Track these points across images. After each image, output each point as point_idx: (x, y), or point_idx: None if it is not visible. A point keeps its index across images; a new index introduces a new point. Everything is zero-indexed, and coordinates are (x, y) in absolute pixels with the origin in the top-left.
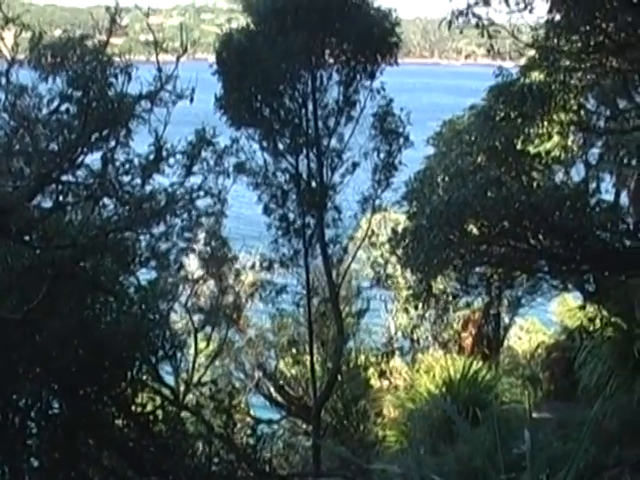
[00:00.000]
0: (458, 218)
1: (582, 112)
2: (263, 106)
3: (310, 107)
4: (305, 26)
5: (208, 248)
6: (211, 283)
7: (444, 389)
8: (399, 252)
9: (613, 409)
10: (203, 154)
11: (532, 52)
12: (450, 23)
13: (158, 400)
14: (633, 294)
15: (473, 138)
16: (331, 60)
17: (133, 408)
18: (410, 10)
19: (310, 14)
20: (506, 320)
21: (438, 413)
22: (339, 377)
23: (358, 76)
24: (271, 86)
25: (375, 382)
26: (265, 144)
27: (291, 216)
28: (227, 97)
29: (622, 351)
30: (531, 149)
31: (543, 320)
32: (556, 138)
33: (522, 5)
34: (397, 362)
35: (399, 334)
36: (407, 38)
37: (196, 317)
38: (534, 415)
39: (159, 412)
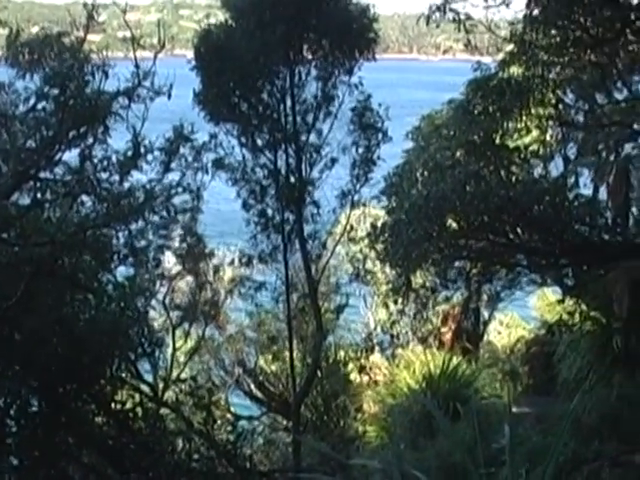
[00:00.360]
0: (437, 212)
1: (560, 106)
2: (241, 101)
3: (289, 102)
4: (283, 21)
5: (185, 244)
6: (189, 280)
7: (424, 384)
8: (378, 247)
9: (592, 403)
10: (181, 150)
11: (510, 47)
12: (428, 18)
13: (137, 397)
14: (611, 288)
15: (452, 132)
16: (309, 55)
17: (112, 405)
18: (388, 6)
19: (288, 9)
20: (485, 315)
21: (418, 408)
22: (319, 373)
23: (336, 71)
24: (249, 81)
25: (355, 377)
26: (244, 139)
27: (270, 212)
28: (206, 92)
29: (601, 345)
30: (510, 143)
31: (523, 315)
32: (535, 132)
33: (499, 0)
34: (377, 357)
35: (378, 329)
36: (385, 34)
37: (175, 314)
38: (514, 409)
39: (138, 409)
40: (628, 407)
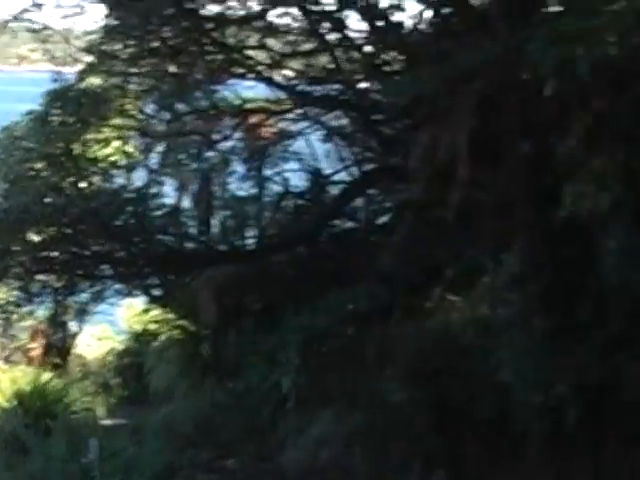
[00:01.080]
0: (18, 226)
1: (142, 117)
2: None
3: None
4: None
5: None
6: None
7: (15, 402)
8: None
9: (186, 411)
10: None
11: (90, 57)
12: (4, 27)
13: None
14: (197, 296)
15: (31, 144)
16: None
17: None
18: None
19: None
20: (74, 328)
21: (10, 428)
22: None
23: None
24: None
25: None
26: None
27: None
28: None
29: (190, 353)
30: (90, 154)
31: (116, 327)
32: (116, 143)
33: (77, 9)
34: None
35: None
36: None
37: None
38: (109, 422)
39: None
40: (220, 413)
